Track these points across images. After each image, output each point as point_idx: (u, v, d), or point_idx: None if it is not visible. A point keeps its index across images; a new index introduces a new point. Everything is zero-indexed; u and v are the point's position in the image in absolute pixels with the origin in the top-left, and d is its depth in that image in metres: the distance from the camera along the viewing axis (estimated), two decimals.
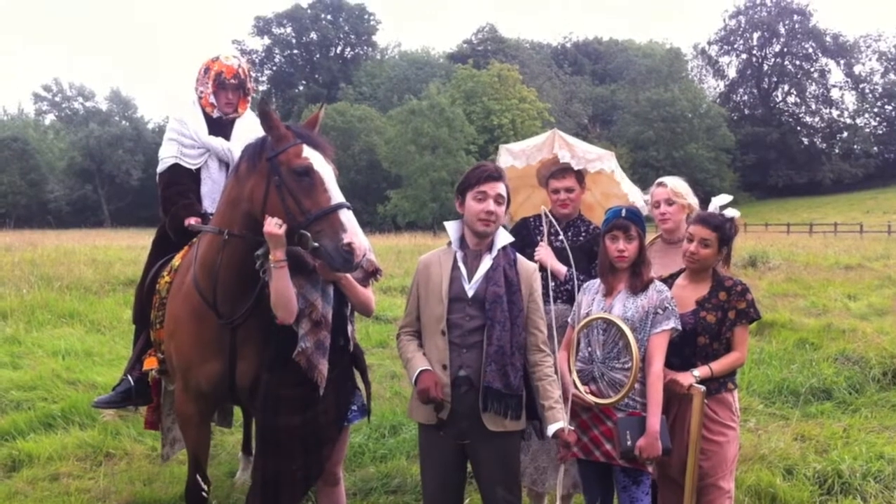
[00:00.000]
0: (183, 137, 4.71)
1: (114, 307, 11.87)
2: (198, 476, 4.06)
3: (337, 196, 3.34)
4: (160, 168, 4.80)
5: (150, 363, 4.37)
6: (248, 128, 4.66)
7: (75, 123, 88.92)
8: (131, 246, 22.22)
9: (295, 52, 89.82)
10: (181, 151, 4.71)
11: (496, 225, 3.52)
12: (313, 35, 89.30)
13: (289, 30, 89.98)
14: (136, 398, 4.69)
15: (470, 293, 3.49)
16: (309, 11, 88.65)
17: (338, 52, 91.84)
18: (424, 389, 3.36)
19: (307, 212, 3.30)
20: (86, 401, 6.97)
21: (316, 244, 3.23)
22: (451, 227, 3.67)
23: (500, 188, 3.50)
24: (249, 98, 4.82)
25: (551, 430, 3.48)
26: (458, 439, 3.50)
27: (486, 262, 3.52)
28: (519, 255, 3.66)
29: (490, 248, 3.56)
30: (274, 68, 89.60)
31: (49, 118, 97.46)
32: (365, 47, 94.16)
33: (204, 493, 4.05)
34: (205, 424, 4.15)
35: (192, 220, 4.35)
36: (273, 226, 3.32)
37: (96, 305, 11.94)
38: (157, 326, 4.26)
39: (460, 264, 3.56)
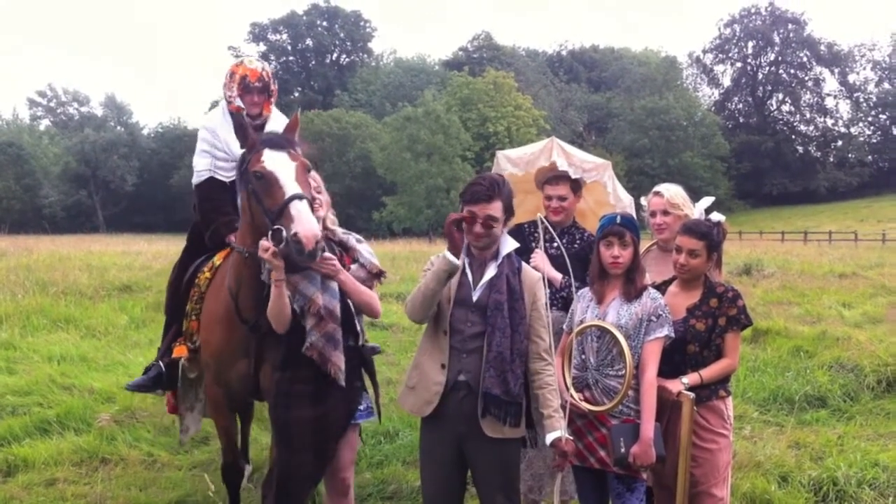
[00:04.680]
0: (216, 150, 4.80)
1: (109, 312, 11.85)
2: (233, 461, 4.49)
3: (290, 189, 3.48)
4: (196, 180, 4.89)
5: (181, 351, 4.64)
6: (277, 128, 4.73)
7: (70, 129, 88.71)
8: (126, 251, 22.15)
9: (290, 58, 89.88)
10: (214, 164, 4.80)
11: (487, 240, 3.52)
12: (309, 42, 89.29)
13: (284, 36, 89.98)
14: (164, 384, 4.93)
15: (473, 299, 3.51)
16: (304, 18, 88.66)
17: (333, 58, 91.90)
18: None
19: (270, 211, 3.49)
20: (81, 406, 6.98)
21: (285, 237, 3.36)
22: None
23: (492, 209, 3.43)
24: (273, 100, 4.91)
25: (549, 438, 3.50)
26: (455, 438, 3.51)
27: (491, 270, 3.54)
28: (524, 264, 3.67)
29: (496, 256, 3.58)
30: None
31: (44, 123, 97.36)
32: (360, 54, 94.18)
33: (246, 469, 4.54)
34: (233, 413, 4.46)
35: (232, 238, 4.45)
36: (261, 249, 3.46)
37: (91, 311, 11.91)
38: (191, 317, 4.51)
39: (467, 271, 3.58)
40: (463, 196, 3.55)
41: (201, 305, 4.42)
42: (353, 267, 3.83)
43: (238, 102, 4.73)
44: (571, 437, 3.58)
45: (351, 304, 3.80)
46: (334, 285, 3.71)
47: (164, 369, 4.86)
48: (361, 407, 3.95)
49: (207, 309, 4.31)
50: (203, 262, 4.71)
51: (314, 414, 3.71)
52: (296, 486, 3.76)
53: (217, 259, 4.51)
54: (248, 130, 3.75)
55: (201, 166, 4.84)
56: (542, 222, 4.37)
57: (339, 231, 4.01)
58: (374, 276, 3.84)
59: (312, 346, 3.64)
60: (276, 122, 4.87)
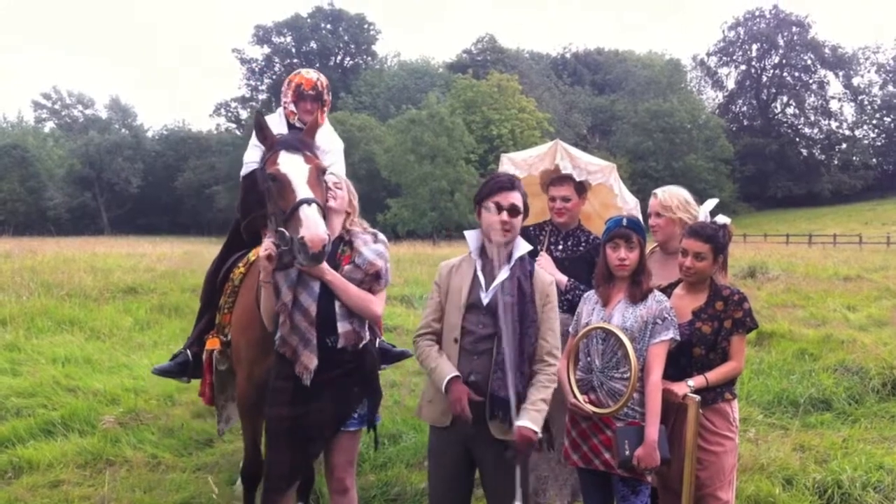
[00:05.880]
0: None
1: (113, 314, 11.86)
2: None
3: (301, 193, 3.53)
4: (244, 171, 5.03)
5: (213, 343, 4.80)
6: (324, 138, 4.86)
7: (75, 131, 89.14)
8: (131, 253, 22.24)
9: (295, 61, 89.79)
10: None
11: (511, 234, 3.55)
12: (313, 44, 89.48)
13: (288, 39, 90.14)
14: (190, 372, 5.10)
15: (485, 301, 3.52)
16: (309, 21, 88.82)
17: (337, 61, 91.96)
18: (457, 400, 3.39)
19: (283, 211, 3.54)
20: (85, 408, 6.99)
21: (290, 238, 3.42)
22: (471, 236, 3.71)
23: (514, 198, 3.54)
24: (326, 109, 5.06)
25: (517, 423, 3.40)
26: (464, 440, 3.51)
27: (504, 273, 3.54)
28: (537, 266, 3.67)
29: (509, 259, 3.58)
30: (273, 77, 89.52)
31: (48, 126, 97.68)
32: (364, 57, 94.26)
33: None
34: (260, 411, 4.43)
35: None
36: (262, 249, 3.55)
37: (96, 313, 11.93)
38: (224, 310, 4.66)
39: (479, 273, 3.59)
40: (481, 192, 3.60)
41: (234, 300, 4.55)
42: (347, 268, 3.75)
43: (292, 108, 4.94)
44: (539, 433, 3.45)
45: (337, 306, 3.72)
46: (315, 285, 3.68)
47: (190, 358, 5.04)
48: (356, 415, 3.84)
49: (245, 306, 4.38)
50: (239, 257, 4.85)
51: (292, 412, 3.69)
52: (272, 483, 3.77)
53: (252, 255, 4.61)
54: (268, 131, 3.83)
55: (250, 158, 4.98)
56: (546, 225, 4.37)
57: (358, 230, 3.97)
58: (372, 277, 3.76)
59: (285, 342, 3.67)
60: (324, 131, 4.97)
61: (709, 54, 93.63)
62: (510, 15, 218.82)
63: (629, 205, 4.84)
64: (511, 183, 3.57)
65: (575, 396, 3.77)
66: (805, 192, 78.88)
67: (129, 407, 7.14)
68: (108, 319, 11.46)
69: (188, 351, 5.10)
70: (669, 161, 72.93)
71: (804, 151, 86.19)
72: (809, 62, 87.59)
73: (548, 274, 3.72)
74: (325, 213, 3.63)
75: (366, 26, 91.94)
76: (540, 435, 3.41)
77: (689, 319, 3.92)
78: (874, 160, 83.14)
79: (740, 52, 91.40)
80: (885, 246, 39.53)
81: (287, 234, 3.42)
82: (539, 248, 4.49)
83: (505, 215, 3.51)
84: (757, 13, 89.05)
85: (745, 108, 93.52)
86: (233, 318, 4.52)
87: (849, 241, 45.14)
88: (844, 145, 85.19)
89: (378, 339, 4.38)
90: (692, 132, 74.68)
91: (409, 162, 59.94)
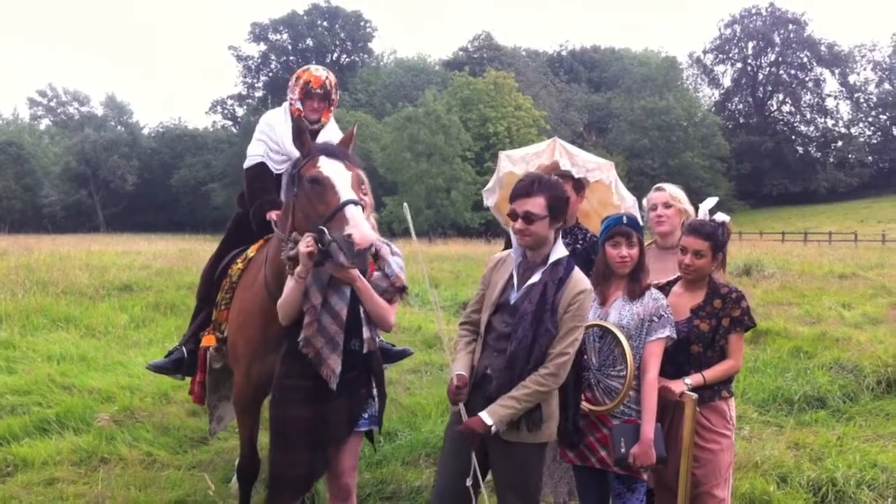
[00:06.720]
0: (270, 141, 5.03)
1: (109, 312, 11.82)
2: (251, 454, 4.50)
3: (345, 194, 3.53)
4: (247, 164, 5.09)
5: (209, 340, 4.78)
6: (331, 137, 4.84)
7: (70, 128, 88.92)
8: (126, 251, 22.18)
9: (291, 58, 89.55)
10: (267, 153, 5.01)
11: (530, 240, 3.51)
12: (309, 41, 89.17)
13: (285, 36, 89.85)
14: (185, 369, 5.11)
15: (512, 301, 3.53)
16: (305, 18, 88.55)
17: (334, 58, 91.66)
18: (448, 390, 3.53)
19: (322, 214, 3.51)
20: (80, 405, 6.97)
21: (330, 238, 3.40)
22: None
23: (531, 204, 3.46)
24: (333, 108, 5.09)
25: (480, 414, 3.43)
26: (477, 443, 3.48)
27: (535, 277, 3.53)
28: (574, 272, 3.55)
29: (545, 261, 3.56)
30: (270, 74, 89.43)
31: (44, 123, 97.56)
32: (361, 54, 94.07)
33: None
34: (258, 410, 4.50)
35: (273, 215, 4.60)
36: (304, 246, 3.50)
37: (91, 310, 11.89)
38: (221, 307, 4.67)
39: (514, 272, 3.60)
40: (510, 196, 3.61)
41: (231, 296, 4.55)
42: (376, 275, 3.79)
43: (298, 105, 4.93)
44: (492, 426, 3.37)
45: (361, 311, 3.75)
46: (347, 289, 3.69)
47: (185, 354, 5.05)
48: (365, 415, 3.88)
49: (242, 303, 4.37)
50: (238, 253, 4.85)
51: (311, 413, 3.69)
52: (286, 485, 3.75)
53: (251, 251, 4.62)
54: (307, 136, 3.84)
55: (254, 151, 5.05)
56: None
57: (376, 237, 4.00)
58: (396, 289, 3.81)
59: (309, 343, 3.63)
60: (330, 130, 5.06)
61: (705, 52, 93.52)
62: (509, 14, 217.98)
63: (627, 202, 4.86)
64: (528, 191, 3.49)
65: None
66: (801, 189, 78.88)
67: (124, 405, 7.12)
68: (103, 317, 11.43)
69: (183, 347, 5.10)
70: (665, 159, 72.89)
71: (800, 149, 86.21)
72: (805, 60, 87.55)
73: (584, 281, 3.56)
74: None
75: (362, 23, 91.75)
76: (494, 428, 3.37)
77: (688, 317, 3.92)
78: (870, 158, 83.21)
79: (736, 50, 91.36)
80: (881, 244, 39.56)
81: (327, 234, 3.41)
82: None
83: (520, 223, 3.49)
84: (753, 11, 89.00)
85: (741, 106, 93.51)
86: (230, 315, 4.51)
87: (844, 238, 45.17)
88: (840, 143, 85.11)
89: (378, 340, 4.39)
90: (688, 130, 74.63)
91: (406, 160, 59.84)
